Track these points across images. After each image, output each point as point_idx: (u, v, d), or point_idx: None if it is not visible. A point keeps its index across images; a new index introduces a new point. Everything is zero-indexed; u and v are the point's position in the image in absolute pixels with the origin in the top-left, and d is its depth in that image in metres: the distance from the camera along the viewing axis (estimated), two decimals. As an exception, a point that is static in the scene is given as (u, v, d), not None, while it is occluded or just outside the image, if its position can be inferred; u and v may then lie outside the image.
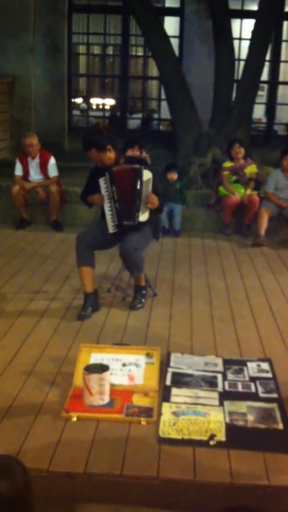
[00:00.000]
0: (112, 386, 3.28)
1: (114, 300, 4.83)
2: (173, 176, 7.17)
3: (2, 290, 5.00)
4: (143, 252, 4.64)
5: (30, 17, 8.73)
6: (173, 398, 3.27)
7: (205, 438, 2.90)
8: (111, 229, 4.49)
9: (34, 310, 4.57)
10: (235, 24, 8.92)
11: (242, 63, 8.31)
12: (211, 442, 2.87)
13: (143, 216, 4.47)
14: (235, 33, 8.62)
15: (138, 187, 4.37)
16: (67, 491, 2.64)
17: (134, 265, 4.56)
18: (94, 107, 11.96)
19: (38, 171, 7.14)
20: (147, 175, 4.41)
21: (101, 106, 11.39)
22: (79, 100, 12.73)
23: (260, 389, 3.39)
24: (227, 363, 3.71)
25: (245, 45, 8.33)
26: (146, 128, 10.51)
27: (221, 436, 2.92)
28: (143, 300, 4.72)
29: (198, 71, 8.74)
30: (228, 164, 7.24)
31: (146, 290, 4.80)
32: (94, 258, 4.59)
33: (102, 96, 11.47)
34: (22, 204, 7.12)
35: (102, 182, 4.45)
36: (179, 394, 3.32)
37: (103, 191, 4.46)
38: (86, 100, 11.46)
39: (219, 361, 3.73)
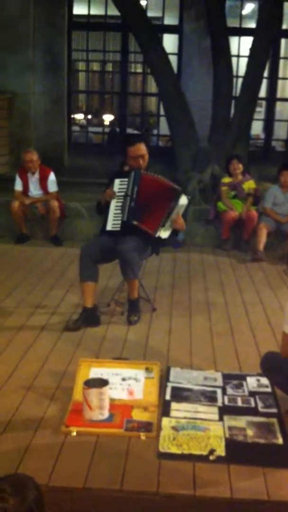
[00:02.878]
0: (112, 400, 3.28)
1: (113, 315, 4.83)
2: None
3: (1, 305, 5.01)
4: (140, 262, 4.64)
5: (30, 34, 8.82)
6: (172, 413, 3.27)
7: (204, 453, 2.90)
8: (110, 226, 4.51)
9: (34, 325, 4.57)
10: (233, 41, 9.01)
11: (240, 80, 8.38)
12: (211, 457, 2.87)
13: (165, 234, 4.51)
14: (233, 50, 8.71)
15: (172, 205, 4.43)
16: (66, 506, 2.63)
17: (129, 267, 4.48)
18: (94, 123, 12.04)
19: (38, 186, 7.18)
20: (184, 200, 4.49)
21: (100, 122, 11.47)
22: (78, 116, 12.82)
23: (259, 404, 3.39)
24: (227, 377, 3.71)
25: (243, 62, 8.41)
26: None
27: (221, 451, 2.92)
28: (138, 314, 4.72)
29: (196, 88, 8.81)
30: (226, 179, 7.28)
31: (139, 303, 4.79)
32: (97, 272, 4.60)
33: (102, 112, 11.56)
34: (22, 219, 7.14)
35: (117, 180, 4.51)
36: (178, 409, 3.31)
37: (116, 188, 4.51)
38: (86, 116, 11.54)
39: (219, 376, 3.73)
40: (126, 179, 4.53)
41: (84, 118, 12.00)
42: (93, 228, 6.79)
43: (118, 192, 4.53)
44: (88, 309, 4.56)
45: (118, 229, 4.51)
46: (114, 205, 4.54)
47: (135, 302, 4.74)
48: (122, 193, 4.52)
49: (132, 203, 4.46)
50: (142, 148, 4.55)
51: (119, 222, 4.51)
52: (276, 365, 3.31)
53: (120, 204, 4.53)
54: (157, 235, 4.48)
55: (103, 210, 4.73)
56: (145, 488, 2.64)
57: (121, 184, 4.53)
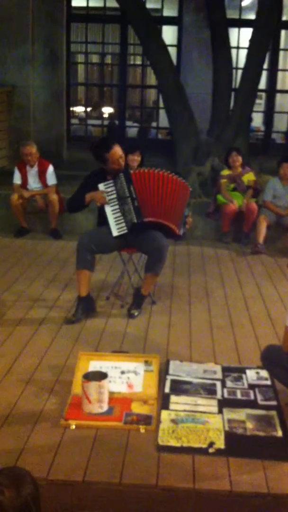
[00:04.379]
0: (111, 393, 3.28)
1: (113, 308, 4.83)
2: None
3: (1, 298, 5.00)
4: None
5: (29, 27, 8.77)
6: (172, 406, 3.26)
7: (204, 446, 2.90)
8: (115, 232, 4.50)
9: (33, 318, 4.57)
10: (233, 33, 8.95)
11: (240, 72, 8.34)
12: (210, 450, 2.87)
13: (181, 231, 4.62)
14: (233, 42, 8.66)
15: (188, 203, 4.60)
16: (66, 499, 2.63)
17: (161, 262, 4.57)
18: (93, 115, 12.00)
19: (37, 179, 7.16)
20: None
21: (99, 115, 11.43)
22: (77, 109, 12.78)
23: (259, 397, 3.39)
24: (226, 370, 3.71)
25: (243, 54, 8.37)
26: (143, 136, 10.54)
27: (220, 444, 2.91)
28: (140, 309, 4.71)
29: (196, 80, 8.77)
30: (226, 172, 7.26)
31: (145, 299, 4.79)
32: (94, 261, 4.60)
33: (101, 104, 11.51)
34: (21, 213, 7.12)
35: (102, 186, 4.51)
36: (178, 402, 3.31)
37: (106, 197, 4.49)
38: (85, 109, 11.50)
39: (218, 369, 3.73)
40: (110, 182, 4.52)
41: (84, 111, 11.95)
42: (92, 221, 6.76)
43: (108, 195, 4.51)
44: (83, 298, 4.57)
45: (126, 231, 4.51)
46: (109, 210, 4.52)
47: (143, 298, 4.74)
48: (114, 197, 4.51)
49: (135, 203, 4.46)
50: (119, 150, 4.52)
51: (124, 225, 4.50)
52: (276, 359, 3.30)
53: (116, 207, 4.51)
54: (181, 233, 4.57)
55: (78, 208, 4.77)
56: (144, 481, 2.64)
57: (107, 188, 4.51)
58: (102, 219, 4.63)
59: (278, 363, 3.29)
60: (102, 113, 11.46)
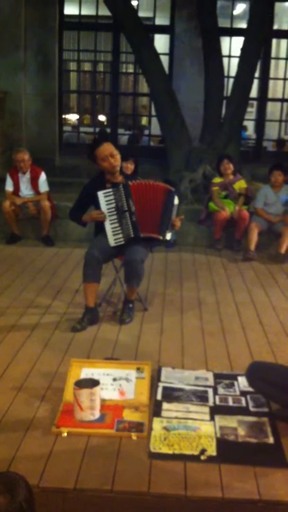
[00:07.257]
0: (103, 401, 3.27)
1: (105, 315, 4.82)
2: None
3: (-8, 305, 4.99)
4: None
5: (21, 34, 8.80)
6: (164, 413, 3.26)
7: (196, 453, 2.89)
8: (112, 242, 4.50)
9: (25, 325, 4.56)
10: (225, 41, 9.01)
11: (231, 80, 8.39)
12: (202, 457, 2.86)
13: (168, 235, 4.59)
14: (225, 50, 8.71)
15: (173, 207, 4.53)
16: (57, 507, 2.62)
17: (137, 277, 4.57)
18: (85, 123, 12.01)
19: (29, 186, 7.16)
20: (176, 200, 4.59)
21: (91, 122, 11.44)
22: (69, 117, 12.80)
23: (251, 404, 3.39)
24: (218, 377, 3.71)
25: (235, 62, 8.41)
26: (135, 144, 10.56)
27: (212, 451, 2.91)
28: (132, 315, 4.72)
29: (188, 88, 8.82)
30: (217, 179, 7.29)
31: (134, 304, 4.80)
32: (101, 273, 4.61)
33: (93, 112, 11.52)
34: (13, 219, 7.12)
35: (101, 194, 4.48)
36: (170, 409, 3.31)
37: (103, 203, 4.48)
38: (77, 116, 11.53)
39: (210, 376, 3.73)
40: (109, 191, 4.51)
41: (76, 118, 11.98)
42: (84, 228, 6.77)
43: (107, 204, 4.51)
44: (92, 309, 4.60)
45: (123, 243, 4.52)
46: (108, 222, 4.53)
47: (131, 303, 4.75)
48: (112, 206, 4.50)
49: (133, 217, 4.46)
50: (109, 147, 4.50)
51: (121, 236, 4.50)
52: (263, 375, 3.25)
53: (115, 218, 4.51)
54: (165, 238, 4.55)
55: (78, 224, 4.81)
56: (136, 488, 2.63)
57: (106, 196, 4.50)
58: (99, 229, 4.64)
59: (265, 380, 3.22)
60: (94, 121, 11.47)
